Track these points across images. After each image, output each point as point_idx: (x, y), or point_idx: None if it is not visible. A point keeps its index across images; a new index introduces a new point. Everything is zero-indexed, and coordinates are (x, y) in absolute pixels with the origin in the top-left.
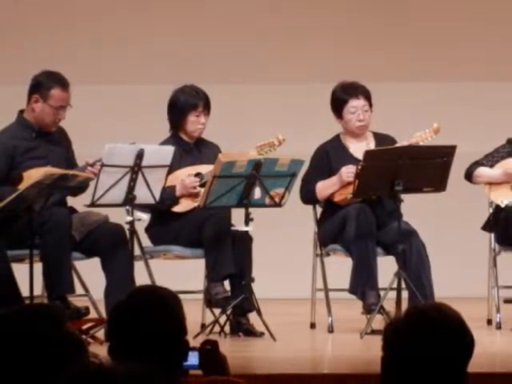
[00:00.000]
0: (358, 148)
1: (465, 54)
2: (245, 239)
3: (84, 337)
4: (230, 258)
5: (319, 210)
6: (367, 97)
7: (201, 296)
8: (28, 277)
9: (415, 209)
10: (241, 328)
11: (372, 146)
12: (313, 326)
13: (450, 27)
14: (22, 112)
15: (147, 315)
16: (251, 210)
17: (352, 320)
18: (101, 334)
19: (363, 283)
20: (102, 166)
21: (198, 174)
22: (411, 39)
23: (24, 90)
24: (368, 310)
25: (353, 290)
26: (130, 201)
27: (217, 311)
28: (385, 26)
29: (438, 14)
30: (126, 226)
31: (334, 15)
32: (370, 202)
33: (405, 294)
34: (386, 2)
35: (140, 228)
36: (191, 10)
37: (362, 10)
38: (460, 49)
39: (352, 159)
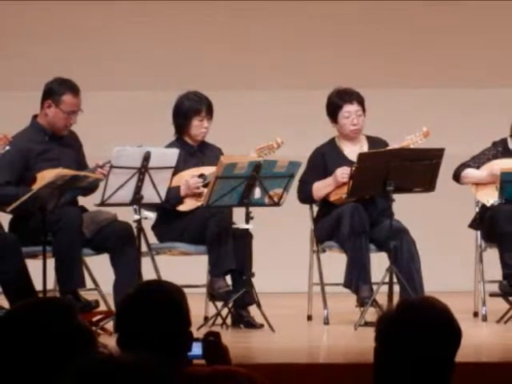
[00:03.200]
0: (352, 150)
1: (453, 62)
2: (245, 236)
3: (94, 328)
4: (231, 254)
5: (315, 209)
6: (361, 102)
7: (204, 290)
8: (41, 272)
9: (406, 208)
10: (241, 320)
11: (365, 148)
12: (309, 318)
13: (440, 37)
14: (35, 117)
15: (153, 308)
16: (251, 208)
17: (346, 312)
18: (110, 325)
19: (357, 278)
20: (111, 167)
21: (201, 175)
22: (403, 49)
23: (37, 96)
24: (361, 303)
25: (347, 284)
26: (137, 200)
27: (219, 304)
28: (377, 37)
29: (428, 24)
30: (134, 224)
31: (329, 29)
32: (364, 202)
33: (396, 288)
34: (378, 13)
35: (147, 226)
36: (195, 22)
37: (357, 22)
38: (449, 57)
39: (346, 161)
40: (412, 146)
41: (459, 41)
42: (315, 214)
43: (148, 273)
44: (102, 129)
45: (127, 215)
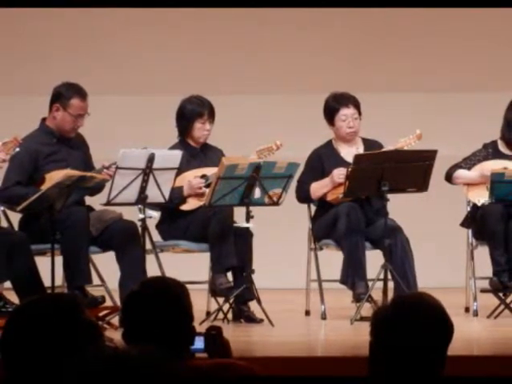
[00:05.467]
0: (349, 152)
1: (445, 67)
2: (246, 235)
3: (100, 323)
4: (232, 252)
5: (313, 208)
6: (357, 106)
7: (206, 286)
8: (50, 269)
9: (400, 207)
10: (242, 315)
11: (361, 150)
12: (307, 313)
13: (433, 44)
14: (44, 120)
15: (157, 303)
16: (251, 208)
17: (343, 308)
18: (115, 320)
19: (353, 274)
20: (117, 168)
21: (203, 176)
22: (397, 55)
23: (46, 100)
24: (357, 298)
25: (344, 280)
26: (142, 200)
27: (220, 300)
28: (372, 44)
29: (421, 31)
30: (139, 223)
31: (327, 35)
32: (359, 201)
33: (391, 285)
34: (373, 20)
35: (151, 224)
36: (198, 29)
37: (353, 28)
38: (441, 62)
39: (343, 162)
40: (406, 148)
41: (451, 47)
42: (313, 213)
43: (152, 270)
44: (109, 131)
45: (132, 214)
